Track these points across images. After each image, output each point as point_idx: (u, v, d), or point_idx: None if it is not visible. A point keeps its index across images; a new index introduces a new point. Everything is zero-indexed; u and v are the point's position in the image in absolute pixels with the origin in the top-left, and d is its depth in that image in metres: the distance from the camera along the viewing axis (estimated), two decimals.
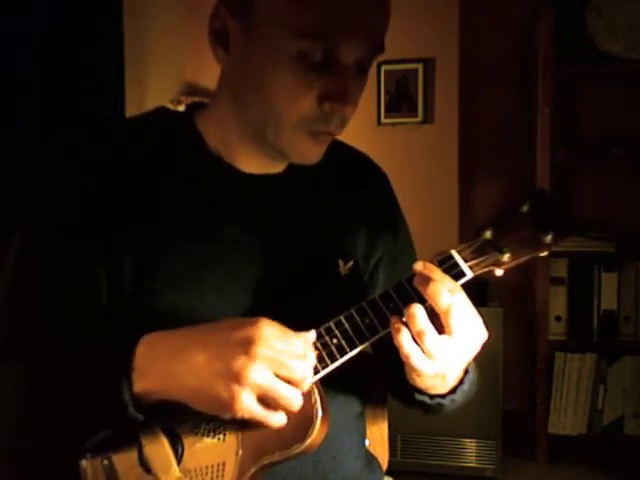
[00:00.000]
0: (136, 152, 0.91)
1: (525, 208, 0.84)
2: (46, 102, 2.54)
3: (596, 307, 2.75)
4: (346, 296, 0.87)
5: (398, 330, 0.81)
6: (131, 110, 2.61)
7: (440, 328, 0.81)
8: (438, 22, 2.83)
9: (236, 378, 0.75)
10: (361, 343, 0.84)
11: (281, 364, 0.76)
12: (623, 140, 2.77)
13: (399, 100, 2.88)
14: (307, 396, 0.80)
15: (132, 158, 0.91)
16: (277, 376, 0.77)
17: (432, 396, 0.95)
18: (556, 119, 2.68)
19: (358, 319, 0.84)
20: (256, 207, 0.95)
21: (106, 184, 0.88)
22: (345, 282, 0.98)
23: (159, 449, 0.84)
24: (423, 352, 0.81)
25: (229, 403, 0.75)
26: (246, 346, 0.75)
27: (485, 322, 0.85)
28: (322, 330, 0.83)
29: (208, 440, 0.85)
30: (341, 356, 0.83)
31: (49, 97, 2.54)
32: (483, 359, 0.95)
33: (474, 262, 0.84)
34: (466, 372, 0.94)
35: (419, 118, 2.87)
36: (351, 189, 1.03)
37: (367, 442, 1.08)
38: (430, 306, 0.81)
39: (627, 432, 2.73)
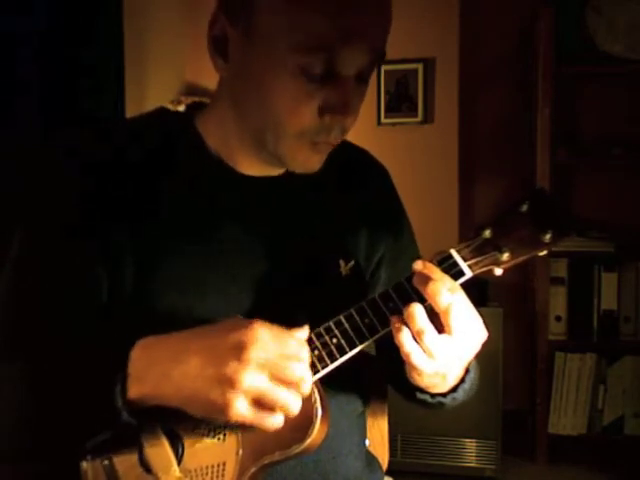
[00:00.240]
0: (136, 152, 0.91)
1: (524, 207, 0.84)
2: (46, 102, 2.54)
3: (596, 307, 2.74)
4: (347, 296, 0.87)
5: (399, 329, 0.81)
6: (131, 110, 2.61)
7: (440, 327, 0.81)
8: (438, 22, 2.83)
9: (229, 383, 0.74)
10: (361, 343, 0.84)
11: (275, 366, 0.76)
12: (623, 140, 2.77)
13: (399, 100, 2.88)
14: (307, 396, 0.80)
15: (132, 158, 0.91)
16: (273, 378, 0.76)
17: (433, 395, 0.96)
18: (556, 119, 2.67)
19: (358, 319, 0.84)
20: (256, 207, 0.95)
21: (106, 184, 0.88)
22: (346, 282, 0.98)
23: (159, 449, 0.84)
24: (423, 351, 0.81)
25: (223, 409, 0.75)
26: (239, 350, 0.75)
27: (485, 322, 0.85)
28: (322, 330, 0.83)
29: (208, 440, 0.85)
30: (341, 356, 0.83)
31: (49, 97, 2.55)
32: (483, 359, 0.95)
33: (473, 261, 0.84)
34: (467, 371, 0.94)
35: (419, 118, 2.87)
36: (352, 188, 1.03)
37: (367, 442, 1.08)
38: (430, 305, 0.81)
39: (627, 432, 2.73)
